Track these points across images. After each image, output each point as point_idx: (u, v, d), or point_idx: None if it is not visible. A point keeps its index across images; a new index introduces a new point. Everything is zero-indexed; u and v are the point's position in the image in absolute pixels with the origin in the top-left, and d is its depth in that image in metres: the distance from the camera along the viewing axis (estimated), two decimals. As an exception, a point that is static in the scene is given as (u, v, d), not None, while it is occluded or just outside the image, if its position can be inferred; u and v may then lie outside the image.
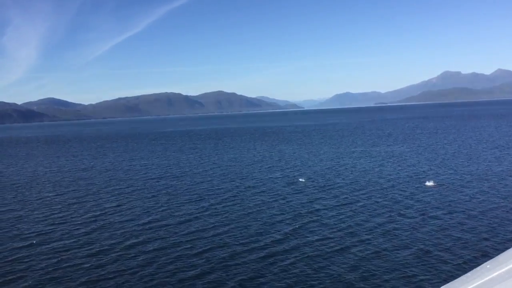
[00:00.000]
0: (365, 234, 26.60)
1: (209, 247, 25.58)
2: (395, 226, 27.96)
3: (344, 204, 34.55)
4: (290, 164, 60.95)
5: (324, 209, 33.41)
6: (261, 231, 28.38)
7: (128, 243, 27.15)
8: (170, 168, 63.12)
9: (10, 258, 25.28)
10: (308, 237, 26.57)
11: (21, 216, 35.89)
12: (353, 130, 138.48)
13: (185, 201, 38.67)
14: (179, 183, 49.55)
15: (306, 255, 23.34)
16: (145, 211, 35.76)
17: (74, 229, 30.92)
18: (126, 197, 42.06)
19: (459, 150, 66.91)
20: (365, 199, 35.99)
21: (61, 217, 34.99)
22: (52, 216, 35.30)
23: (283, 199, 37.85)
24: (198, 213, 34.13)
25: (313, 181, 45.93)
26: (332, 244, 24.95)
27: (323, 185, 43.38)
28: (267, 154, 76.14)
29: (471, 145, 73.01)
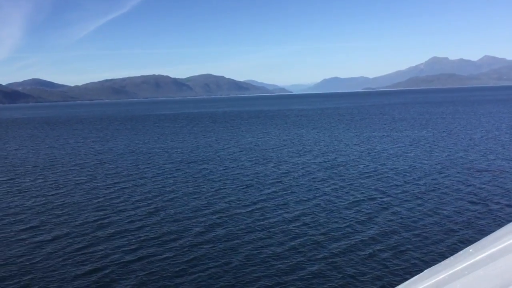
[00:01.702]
0: (456, 226, 25.24)
1: (290, 236, 24.02)
2: (478, 215, 26.70)
3: (409, 192, 33.14)
4: (316, 148, 59.47)
5: (394, 197, 31.95)
6: (344, 218, 26.87)
7: (197, 230, 25.46)
8: (192, 152, 61.21)
9: (73, 248, 23.48)
10: (396, 227, 25.12)
11: (66, 203, 33.87)
12: (358, 114, 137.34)
13: (232, 186, 36.96)
14: (211, 167, 47.77)
15: (393, 247, 21.95)
16: (195, 196, 33.99)
17: (128, 216, 29.07)
18: (164, 182, 40.18)
19: (485, 135, 65.98)
20: (425, 186, 34.64)
21: (108, 203, 33.03)
22: (97, 202, 33.35)
23: (335, 184, 36.34)
24: (254, 199, 32.48)
25: (353, 166, 44.52)
26: (425, 235, 23.56)
27: (368, 171, 41.94)
28: (286, 138, 74.53)
29: (492, 130, 72.24)
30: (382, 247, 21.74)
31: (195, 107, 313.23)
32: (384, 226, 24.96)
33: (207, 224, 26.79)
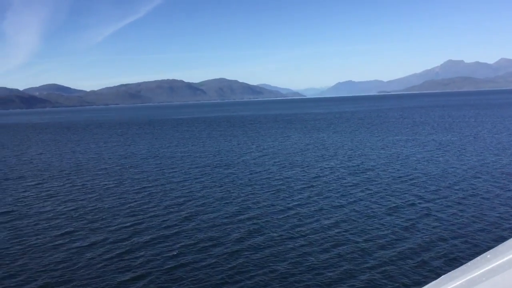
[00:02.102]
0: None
1: (332, 243, 23.34)
2: (524, 221, 25.72)
3: (448, 198, 32.20)
4: (341, 153, 58.63)
5: (433, 203, 31.06)
6: (384, 224, 26.12)
7: (235, 236, 24.92)
8: (215, 156, 60.85)
9: (111, 254, 23.14)
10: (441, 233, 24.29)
11: (98, 208, 33.67)
12: (377, 118, 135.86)
13: (262, 191, 36.41)
14: (237, 171, 47.29)
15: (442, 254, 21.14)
16: (227, 201, 33.49)
17: (163, 221, 28.67)
18: (192, 187, 39.78)
19: (514, 140, 64.42)
20: (464, 192, 33.65)
21: (140, 208, 32.72)
22: (129, 207, 33.07)
23: (369, 189, 35.54)
24: (287, 204, 31.86)
25: (383, 171, 43.63)
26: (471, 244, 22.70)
27: (401, 175, 41.02)
28: (308, 142, 73.78)
29: (521, 134, 70.55)
30: (432, 255, 20.95)
31: (211, 111, 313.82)
32: (429, 232, 24.14)
33: (244, 230, 26.26)
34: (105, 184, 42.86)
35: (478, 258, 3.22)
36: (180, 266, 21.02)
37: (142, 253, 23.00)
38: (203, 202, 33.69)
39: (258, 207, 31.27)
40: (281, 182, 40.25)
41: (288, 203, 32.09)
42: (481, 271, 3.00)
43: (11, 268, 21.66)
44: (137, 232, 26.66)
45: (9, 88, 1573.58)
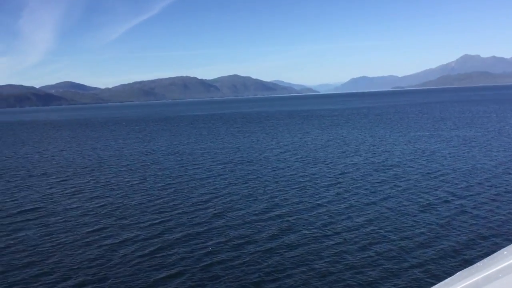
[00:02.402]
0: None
1: (369, 241, 22.81)
2: None
3: (482, 195, 31.37)
4: (364, 148, 57.82)
5: (468, 200, 30.25)
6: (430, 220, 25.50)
7: (267, 233, 24.53)
8: (236, 153, 60.54)
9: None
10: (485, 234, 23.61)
11: (125, 204, 33.57)
12: (396, 113, 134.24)
13: (288, 187, 35.96)
14: (260, 168, 46.88)
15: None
16: (253, 198, 33.12)
17: (192, 218, 28.41)
18: (217, 183, 39.47)
19: (541, 135, 62.92)
20: (497, 188, 32.75)
21: (167, 205, 32.51)
22: (156, 203, 32.86)
23: (398, 186, 34.84)
24: (316, 201, 31.36)
25: (411, 167, 42.81)
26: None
27: (429, 171, 40.17)
28: (328, 138, 73.04)
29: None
30: (473, 254, 20.33)
31: (225, 107, 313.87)
32: (467, 230, 23.47)
33: (275, 227, 25.85)
34: (129, 181, 42.83)
35: (495, 254, 3.25)
36: (216, 264, 20.71)
37: (174, 250, 22.75)
38: (230, 199, 33.37)
39: (287, 204, 30.83)
40: (306, 178, 39.75)
41: (317, 200, 31.60)
42: (498, 267, 2.99)
43: (45, 266, 21.58)
44: (167, 229, 26.43)
45: (25, 86, 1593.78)
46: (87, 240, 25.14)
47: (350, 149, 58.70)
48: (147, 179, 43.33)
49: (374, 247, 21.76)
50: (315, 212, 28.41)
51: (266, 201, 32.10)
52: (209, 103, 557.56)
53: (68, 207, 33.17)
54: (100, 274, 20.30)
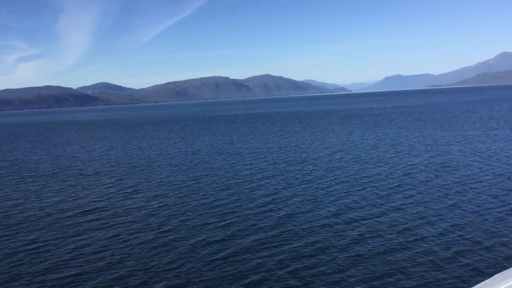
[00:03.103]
0: None
1: (459, 247, 21.16)
2: None
3: None
4: (419, 149, 55.46)
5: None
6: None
7: (345, 240, 23.19)
8: (284, 152, 59.32)
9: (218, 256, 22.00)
10: None
11: (184, 203, 32.90)
12: (440, 112, 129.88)
13: (349, 189, 34.51)
14: (312, 168, 45.39)
15: None
16: (317, 201, 31.82)
17: (258, 221, 27.36)
18: (271, 184, 38.35)
19: None
20: None
21: (228, 206, 31.63)
22: (217, 204, 32.04)
23: (473, 189, 32.79)
24: (387, 204, 29.78)
25: (478, 169, 40.50)
26: None
27: (500, 173, 37.82)
28: (376, 138, 70.83)
29: None
30: None
31: (259, 107, 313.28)
32: None
33: (356, 231, 24.38)
34: (183, 181, 42.27)
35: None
36: (302, 269, 19.54)
37: (249, 255, 21.71)
38: (294, 200, 32.17)
39: (358, 207, 29.35)
40: (368, 179, 38.13)
41: (388, 203, 30.00)
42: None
43: (120, 269, 20.96)
44: (235, 232, 25.45)
45: (63, 87, 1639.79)
46: (156, 242, 24.47)
47: (404, 149, 56.51)
48: (201, 179, 42.67)
49: (467, 255, 20.13)
50: (390, 216, 26.86)
51: (333, 203, 30.75)
52: (242, 103, 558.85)
53: (129, 207, 32.78)
54: (180, 279, 19.49)
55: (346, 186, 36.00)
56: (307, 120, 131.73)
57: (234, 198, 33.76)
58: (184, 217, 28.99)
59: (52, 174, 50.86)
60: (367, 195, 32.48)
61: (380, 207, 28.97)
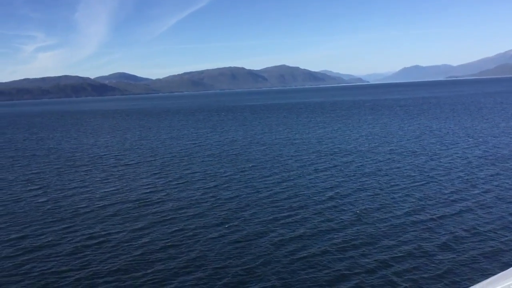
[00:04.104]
0: None
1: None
2: None
3: None
4: (462, 140, 53.48)
5: None
6: None
7: (413, 236, 21.92)
8: (322, 144, 57.89)
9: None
10: None
11: (238, 196, 31.83)
12: (471, 104, 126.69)
13: (404, 182, 33.06)
14: (357, 159, 44.00)
15: None
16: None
17: (319, 213, 26.20)
18: (321, 176, 37.12)
19: None
20: None
21: (283, 199, 30.49)
22: (270, 195, 30.93)
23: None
24: (453, 199, 28.33)
25: (536, 162, 38.66)
26: None
27: None
28: (414, 129, 68.81)
29: None
30: None
31: (278, 97, 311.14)
32: None
33: (443, 232, 23.02)
34: (230, 172, 41.16)
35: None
36: (402, 273, 18.32)
37: (331, 256, 20.55)
38: (361, 195, 30.75)
39: (438, 203, 27.87)
40: (418, 171, 36.61)
41: (449, 196, 28.55)
42: None
43: (189, 263, 19.98)
44: (310, 229, 24.23)
45: (81, 77, 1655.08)
46: (226, 239, 23.20)
47: (445, 140, 54.64)
48: (250, 171, 41.44)
49: None
50: (477, 213, 25.37)
51: (406, 199, 29.20)
52: (259, 93, 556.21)
53: (185, 200, 31.58)
54: (264, 281, 18.43)
55: (412, 179, 34.25)
56: (334, 111, 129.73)
57: (295, 191, 32.26)
58: (247, 211, 27.77)
59: (90, 163, 50.34)
60: (440, 189, 30.90)
61: (461, 203, 27.47)
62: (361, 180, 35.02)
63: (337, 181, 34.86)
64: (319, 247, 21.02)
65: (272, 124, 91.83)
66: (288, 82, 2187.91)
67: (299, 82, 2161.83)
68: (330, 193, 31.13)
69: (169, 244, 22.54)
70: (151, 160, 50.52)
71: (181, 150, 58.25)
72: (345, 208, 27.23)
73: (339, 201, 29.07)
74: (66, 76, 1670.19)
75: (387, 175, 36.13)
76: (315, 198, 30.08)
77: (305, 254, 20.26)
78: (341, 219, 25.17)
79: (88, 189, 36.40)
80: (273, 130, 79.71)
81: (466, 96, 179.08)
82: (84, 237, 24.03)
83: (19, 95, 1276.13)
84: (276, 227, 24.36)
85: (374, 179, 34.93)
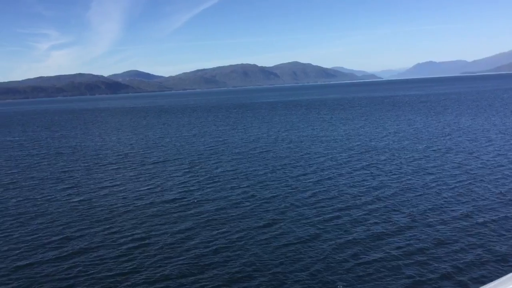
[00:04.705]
0: None
1: None
2: None
3: None
4: (496, 137, 51.82)
5: None
6: None
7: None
8: (348, 141, 56.61)
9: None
10: None
11: (273, 196, 30.81)
12: (495, 100, 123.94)
13: (449, 181, 31.74)
14: (393, 158, 42.66)
15: None
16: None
17: (367, 213, 25.07)
18: (356, 174, 35.94)
19: None
20: None
21: (326, 198, 29.39)
22: (312, 195, 29.84)
23: None
24: (506, 197, 27.00)
25: None
26: None
27: None
28: (441, 126, 67.06)
29: None
30: None
31: (293, 94, 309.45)
32: None
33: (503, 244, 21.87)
34: (261, 171, 40.17)
35: None
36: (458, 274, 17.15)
37: (390, 258, 19.42)
38: (401, 197, 29.56)
39: (486, 204, 26.61)
40: (463, 170, 35.21)
41: (501, 198, 27.19)
42: None
43: (233, 266, 19.01)
44: (355, 231, 23.16)
45: (95, 75, 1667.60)
46: (269, 236, 22.45)
47: (479, 137, 52.94)
48: (280, 169, 40.35)
49: None
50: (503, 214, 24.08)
51: (453, 199, 27.99)
52: (273, 90, 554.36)
53: (223, 200, 30.68)
54: (318, 278, 17.39)
55: (457, 178, 32.77)
56: (353, 107, 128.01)
57: (338, 191, 30.90)
58: (292, 212, 26.58)
59: (118, 161, 49.76)
60: (491, 188, 29.53)
61: (493, 203, 26.15)
62: (403, 179, 33.73)
63: (379, 180, 33.60)
64: (381, 250, 19.90)
65: (294, 121, 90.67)
66: (300, 78, 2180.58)
67: (312, 78, 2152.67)
68: (376, 193, 29.92)
69: (216, 247, 21.60)
70: (179, 158, 49.74)
71: (206, 148, 57.43)
72: (395, 209, 26.02)
73: (387, 201, 27.84)
74: (80, 74, 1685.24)
75: (430, 174, 34.78)
76: (361, 198, 28.91)
77: (368, 258, 19.13)
78: (395, 220, 23.98)
79: (121, 188, 35.66)
80: (295, 127, 78.56)
81: (487, 92, 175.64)
82: (127, 239, 23.21)
83: (34, 93, 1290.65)
84: (328, 228, 23.28)
85: (418, 178, 33.61)
